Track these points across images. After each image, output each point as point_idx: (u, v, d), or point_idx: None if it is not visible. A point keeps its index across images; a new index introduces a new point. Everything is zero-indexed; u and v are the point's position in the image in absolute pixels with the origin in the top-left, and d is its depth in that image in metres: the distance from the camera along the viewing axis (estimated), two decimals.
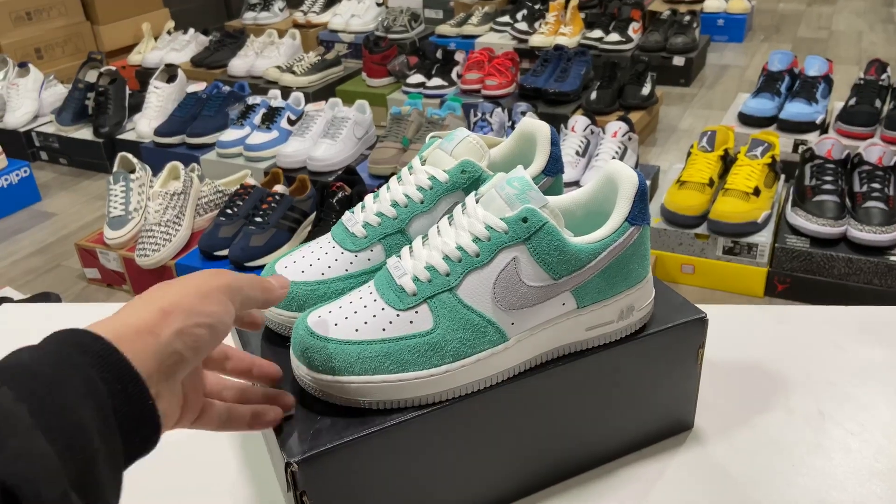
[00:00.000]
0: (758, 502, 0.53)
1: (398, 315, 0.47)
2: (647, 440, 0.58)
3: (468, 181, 0.53)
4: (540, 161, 0.56)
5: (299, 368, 0.47)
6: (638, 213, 0.49)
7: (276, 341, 0.55)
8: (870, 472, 0.56)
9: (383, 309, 0.47)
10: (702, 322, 0.55)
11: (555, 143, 0.57)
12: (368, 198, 0.56)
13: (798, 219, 1.52)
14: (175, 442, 0.64)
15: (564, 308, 0.49)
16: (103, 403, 0.32)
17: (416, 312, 0.47)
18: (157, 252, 1.57)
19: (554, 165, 0.56)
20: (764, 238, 1.53)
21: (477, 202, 0.48)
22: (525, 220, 0.46)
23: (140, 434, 0.34)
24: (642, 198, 0.49)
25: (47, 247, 1.95)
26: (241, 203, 1.63)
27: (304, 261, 0.56)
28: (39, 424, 0.28)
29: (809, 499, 0.53)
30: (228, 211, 1.62)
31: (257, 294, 0.42)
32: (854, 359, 0.67)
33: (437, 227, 0.49)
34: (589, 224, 0.51)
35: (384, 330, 0.46)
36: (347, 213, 0.57)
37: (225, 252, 1.56)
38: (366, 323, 0.47)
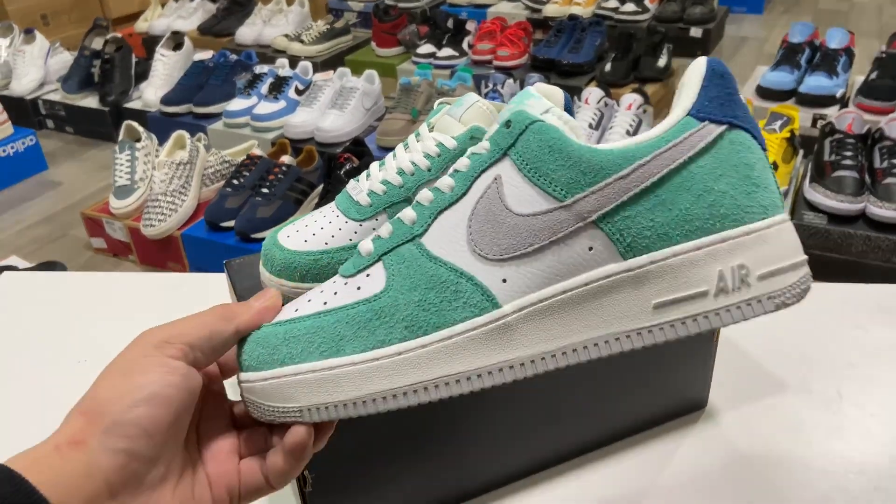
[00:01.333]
0: (773, 485, 0.52)
1: (346, 283, 0.35)
2: (660, 418, 0.56)
3: None
4: None
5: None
6: (717, 105, 0.32)
7: None
8: (890, 456, 0.54)
9: (335, 282, 0.36)
10: None
11: (568, 110, 0.54)
12: (374, 166, 0.54)
13: (816, 195, 1.48)
14: None
15: (593, 257, 0.32)
16: None
17: (368, 275, 0.35)
18: (163, 222, 1.55)
19: None
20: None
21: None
22: (508, 123, 0.33)
23: None
24: (723, 83, 0.33)
25: (54, 216, 1.94)
26: (247, 174, 1.61)
27: (306, 230, 0.54)
28: None
29: (827, 482, 0.52)
30: (235, 181, 1.60)
31: (220, 328, 0.33)
32: (875, 339, 0.65)
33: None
34: None
35: (325, 304, 0.34)
36: (352, 182, 0.55)
37: (231, 223, 1.55)
38: (309, 301, 0.35)
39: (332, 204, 0.55)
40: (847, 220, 1.46)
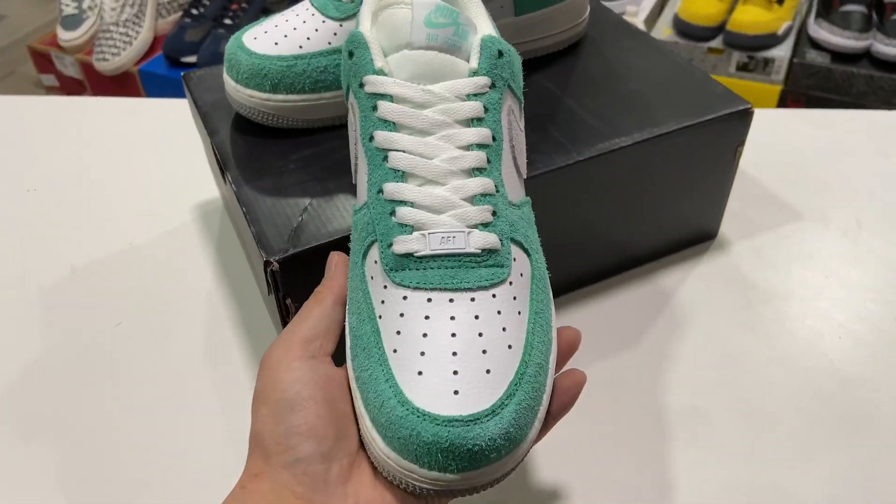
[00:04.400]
0: (784, 312, 0.49)
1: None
2: (668, 248, 0.53)
3: None
4: None
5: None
6: None
7: (247, 129, 0.47)
8: None
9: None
10: (745, 115, 0.47)
11: None
12: None
13: (821, 31, 1.39)
14: (149, 244, 0.57)
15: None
16: None
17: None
18: (117, 56, 1.42)
19: None
20: (782, 52, 1.41)
21: None
22: None
23: None
24: None
25: None
26: (207, 3, 1.45)
27: (277, 31, 0.46)
28: None
29: (843, 309, 0.49)
30: (194, 11, 1.45)
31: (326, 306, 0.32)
32: None
33: None
34: None
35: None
36: None
37: (193, 58, 1.42)
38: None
39: (307, 1, 0.47)
40: (851, 59, 1.38)
